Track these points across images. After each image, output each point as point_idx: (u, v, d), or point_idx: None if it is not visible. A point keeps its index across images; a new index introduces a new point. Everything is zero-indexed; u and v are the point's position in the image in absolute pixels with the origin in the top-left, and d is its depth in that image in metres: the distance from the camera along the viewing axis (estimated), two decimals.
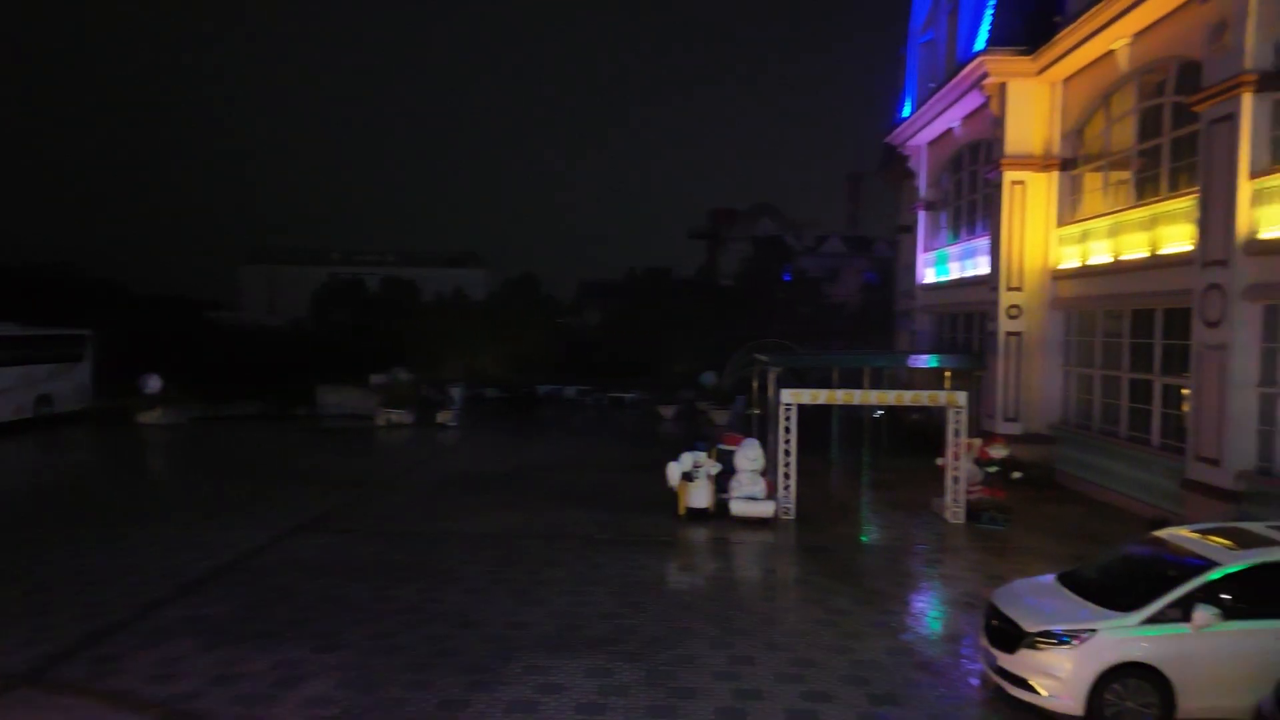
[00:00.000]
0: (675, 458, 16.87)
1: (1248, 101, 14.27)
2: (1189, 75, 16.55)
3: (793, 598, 12.24)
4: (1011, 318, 22.07)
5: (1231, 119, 14.54)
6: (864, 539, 15.65)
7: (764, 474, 16.89)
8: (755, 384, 25.47)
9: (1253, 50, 14.19)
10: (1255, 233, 14.19)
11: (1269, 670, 7.46)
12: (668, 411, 34.99)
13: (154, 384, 30.91)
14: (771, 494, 16.76)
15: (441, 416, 31.60)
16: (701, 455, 16.80)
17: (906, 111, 30.30)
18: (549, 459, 24.25)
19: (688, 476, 16.68)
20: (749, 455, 16.75)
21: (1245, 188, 14.33)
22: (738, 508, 16.54)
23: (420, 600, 11.78)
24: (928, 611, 11.89)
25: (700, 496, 16.71)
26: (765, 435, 20.14)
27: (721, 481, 16.96)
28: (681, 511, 16.74)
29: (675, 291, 54.24)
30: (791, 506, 16.79)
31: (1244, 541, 8.60)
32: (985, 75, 22.20)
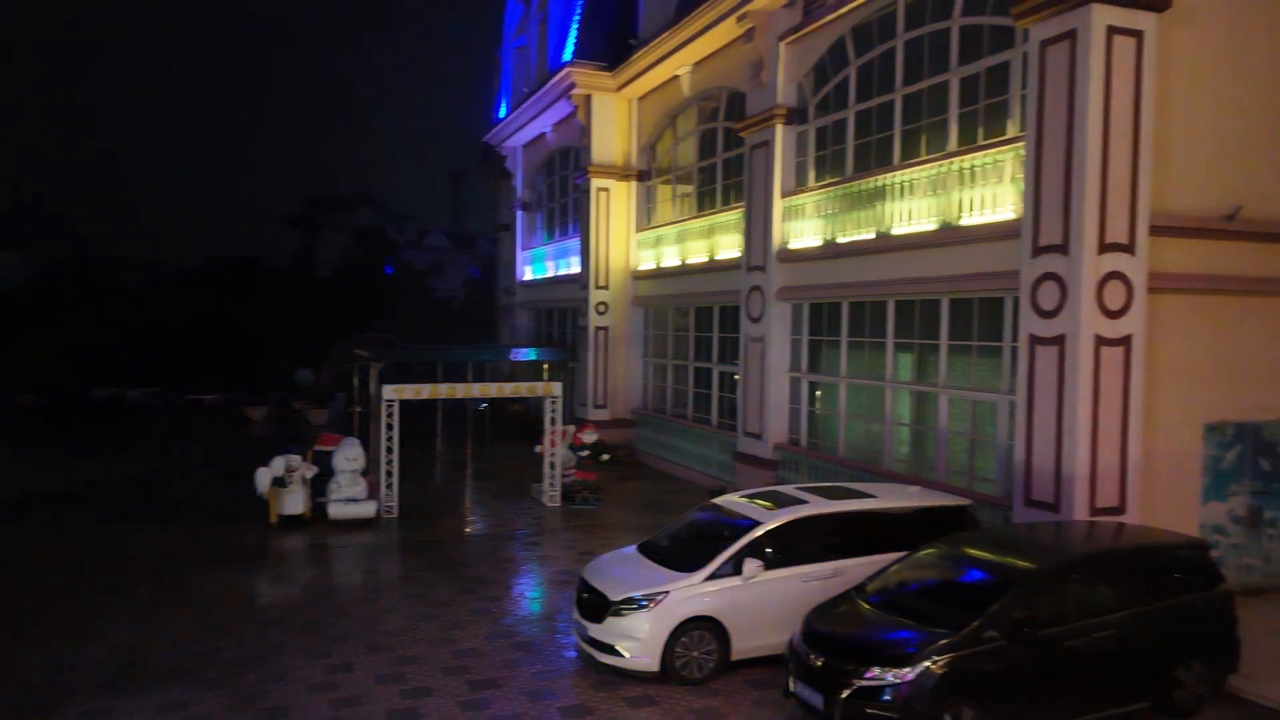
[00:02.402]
0: (265, 463, 15.69)
1: (779, 131, 16.96)
2: (737, 104, 19.20)
3: (395, 596, 12.07)
4: (600, 313, 23.90)
5: (768, 145, 17.18)
6: (466, 530, 15.94)
7: (365, 474, 16.42)
8: (356, 380, 24.62)
9: (782, 88, 16.91)
10: (786, 243, 16.94)
11: (799, 608, 8.94)
12: (257, 413, 32.31)
13: None
14: (373, 493, 16.36)
15: None
16: (295, 458, 15.85)
17: (503, 112, 31.25)
18: (108, 474, 21.08)
19: (279, 482, 15.61)
20: (348, 455, 16.15)
21: (779, 205, 17.03)
22: (336, 510, 15.88)
23: None
24: (526, 593, 12.48)
25: (294, 502, 15.76)
26: (368, 433, 19.57)
27: (320, 484, 16.14)
28: (273, 520, 15.64)
29: (266, 283, 50.30)
30: (395, 504, 16.52)
31: (779, 502, 10.26)
32: (572, 86, 23.70)
